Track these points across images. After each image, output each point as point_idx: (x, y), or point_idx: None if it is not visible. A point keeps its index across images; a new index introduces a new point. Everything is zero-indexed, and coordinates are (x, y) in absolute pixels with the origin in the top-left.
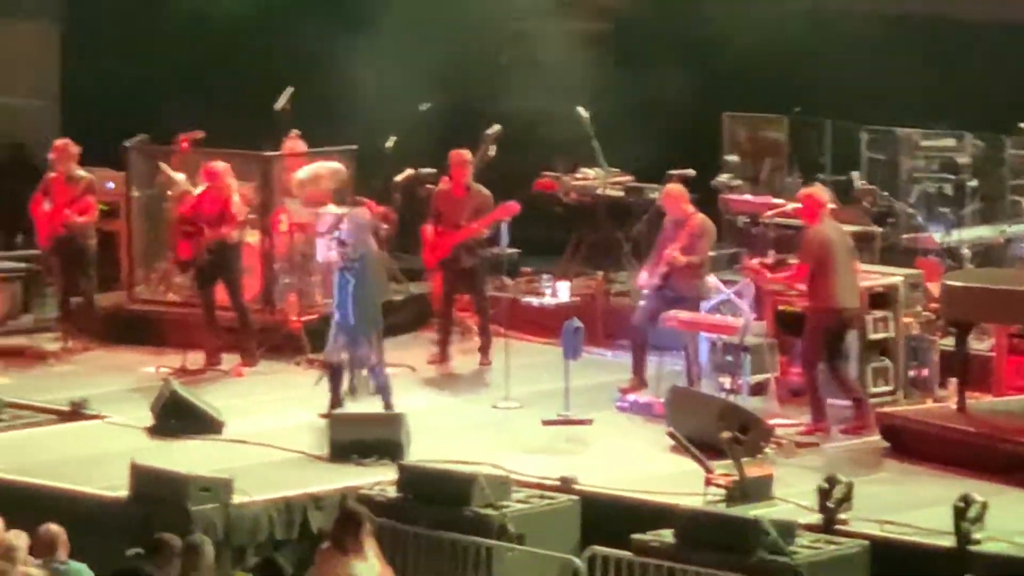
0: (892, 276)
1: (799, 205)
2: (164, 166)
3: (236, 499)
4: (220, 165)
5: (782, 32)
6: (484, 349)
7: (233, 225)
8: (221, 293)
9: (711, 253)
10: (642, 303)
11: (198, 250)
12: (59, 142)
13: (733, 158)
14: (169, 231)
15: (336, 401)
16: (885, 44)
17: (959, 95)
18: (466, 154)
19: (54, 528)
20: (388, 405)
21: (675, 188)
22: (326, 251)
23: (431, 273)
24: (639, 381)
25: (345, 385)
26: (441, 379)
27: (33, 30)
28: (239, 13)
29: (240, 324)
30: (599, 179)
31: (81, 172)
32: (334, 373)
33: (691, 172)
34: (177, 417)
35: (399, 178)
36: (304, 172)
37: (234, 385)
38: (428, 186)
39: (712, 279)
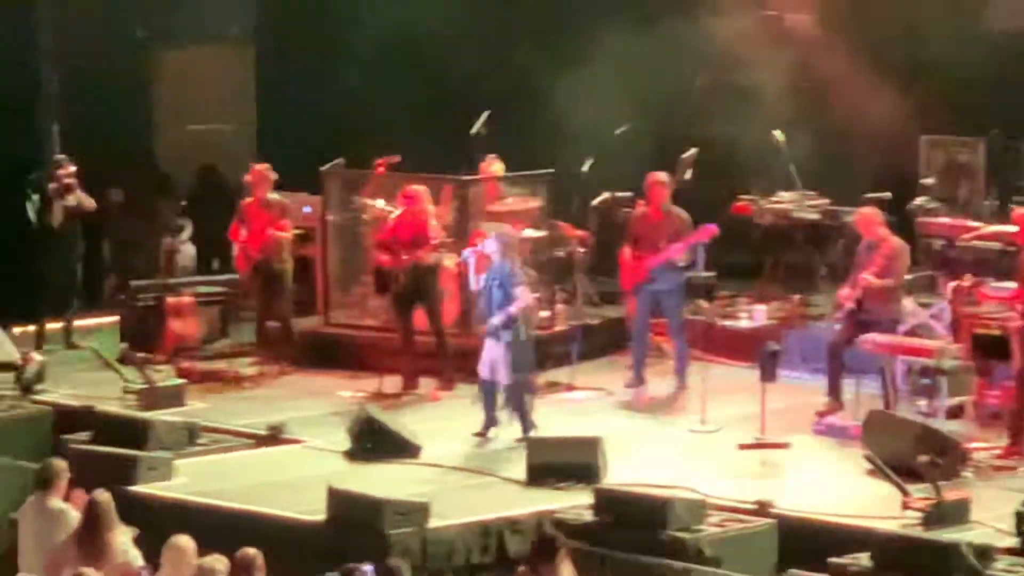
0: None
1: (1014, 228)
2: (361, 198)
3: (432, 523)
4: (417, 188)
5: (980, 55)
6: (680, 372)
7: (428, 248)
8: (420, 317)
9: (907, 276)
10: (838, 326)
11: (395, 274)
12: (257, 167)
13: (930, 181)
14: (366, 255)
15: (490, 420)
16: None
17: None
18: (664, 177)
19: (251, 552)
20: (524, 427)
21: (868, 211)
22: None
23: (627, 296)
24: (836, 404)
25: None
26: (637, 403)
27: (229, 55)
28: (438, 36)
29: (437, 348)
30: (795, 202)
31: (275, 197)
32: (487, 391)
33: (887, 195)
34: (373, 441)
35: (596, 202)
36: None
37: (431, 409)
38: (625, 210)
39: (908, 302)
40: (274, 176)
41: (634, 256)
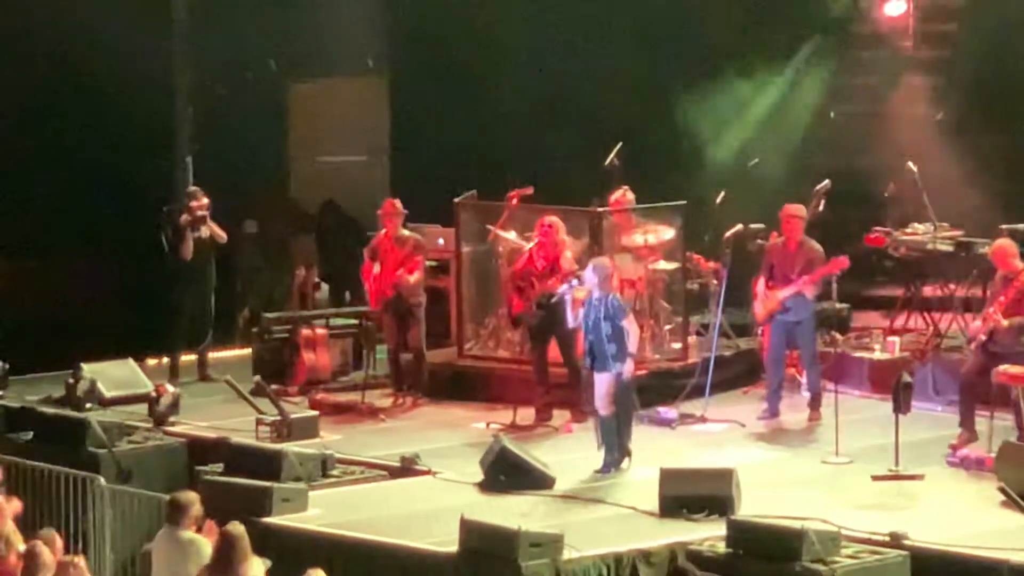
0: None
1: None
2: (493, 228)
3: (566, 555)
4: (553, 219)
5: None
6: (814, 404)
7: (561, 279)
8: (554, 349)
9: None
10: (970, 357)
11: (529, 305)
12: (388, 202)
13: None
14: (499, 287)
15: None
16: None
17: None
18: (799, 209)
19: None
20: (612, 461)
21: (1004, 243)
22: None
23: (761, 328)
24: (969, 435)
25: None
26: (770, 434)
27: (362, 87)
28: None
29: (571, 379)
30: (929, 234)
31: (406, 232)
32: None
33: (1021, 227)
34: (507, 473)
35: (728, 233)
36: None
37: (564, 441)
38: (758, 241)
39: None
40: (404, 210)
41: (768, 288)
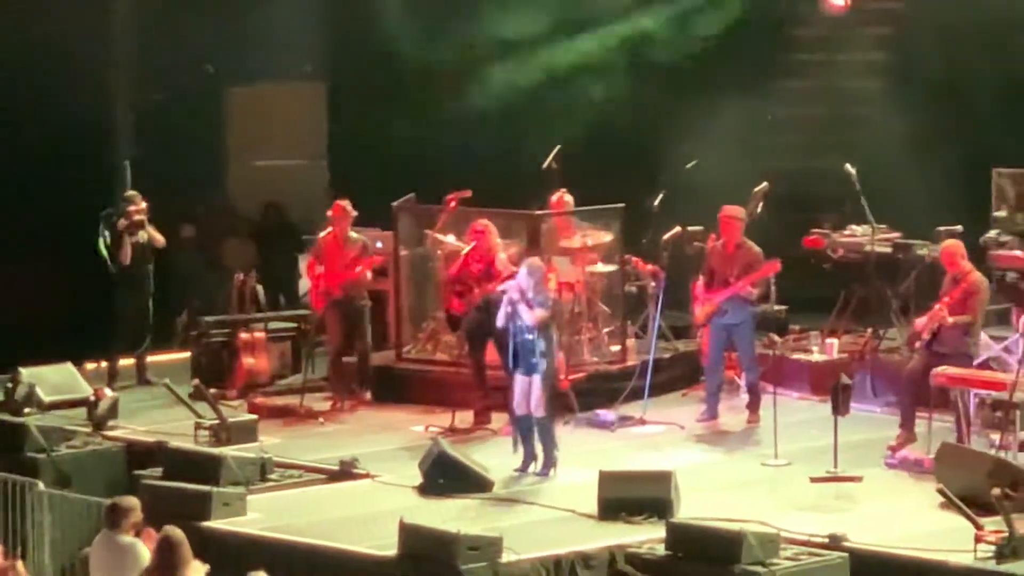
0: None
1: None
2: (430, 232)
3: (505, 558)
4: (485, 223)
5: None
6: (752, 406)
7: (498, 282)
8: (491, 352)
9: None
10: (915, 357)
11: (467, 309)
12: (338, 203)
13: (1002, 213)
14: (437, 290)
15: (530, 455)
16: None
17: None
18: (737, 211)
19: None
20: (548, 460)
21: (952, 244)
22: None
23: (700, 330)
24: (908, 436)
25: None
26: (709, 436)
27: (300, 91)
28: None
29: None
30: (867, 236)
31: (355, 234)
32: (524, 426)
33: (959, 228)
34: (446, 476)
35: (667, 236)
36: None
37: (503, 444)
38: (696, 243)
39: (981, 335)
40: (353, 212)
41: (707, 290)
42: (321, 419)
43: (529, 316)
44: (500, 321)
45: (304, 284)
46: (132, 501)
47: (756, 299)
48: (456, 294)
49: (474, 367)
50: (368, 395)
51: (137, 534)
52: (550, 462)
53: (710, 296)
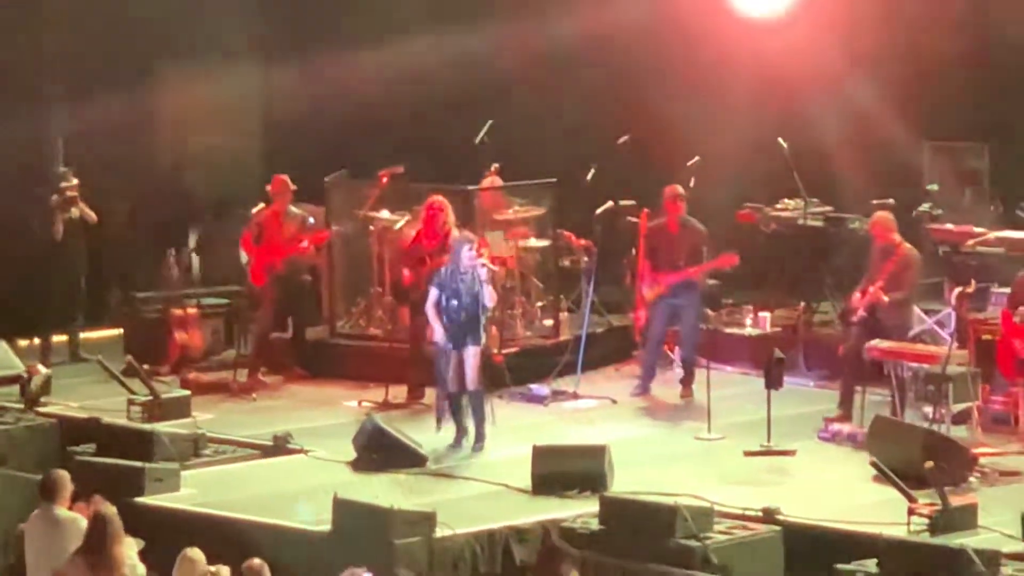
0: None
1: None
2: (363, 207)
3: (439, 532)
4: (440, 200)
5: (980, 61)
6: (687, 380)
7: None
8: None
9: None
10: (852, 333)
11: (416, 282)
12: (278, 178)
13: (934, 187)
14: (370, 265)
15: (463, 430)
16: None
17: None
18: (680, 189)
19: (257, 562)
20: (479, 433)
21: (883, 216)
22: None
23: (634, 305)
24: (847, 411)
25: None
26: (643, 411)
27: (234, 68)
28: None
29: None
30: (800, 210)
31: (295, 209)
32: (457, 401)
33: (891, 202)
34: (379, 451)
35: (599, 211)
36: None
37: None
38: (629, 218)
39: (915, 310)
40: (293, 187)
41: (652, 271)
42: (254, 395)
43: (489, 294)
44: (433, 298)
45: (243, 258)
46: (65, 474)
47: (705, 280)
48: (408, 266)
49: (413, 340)
50: (297, 370)
51: (71, 509)
52: (482, 436)
53: (659, 278)
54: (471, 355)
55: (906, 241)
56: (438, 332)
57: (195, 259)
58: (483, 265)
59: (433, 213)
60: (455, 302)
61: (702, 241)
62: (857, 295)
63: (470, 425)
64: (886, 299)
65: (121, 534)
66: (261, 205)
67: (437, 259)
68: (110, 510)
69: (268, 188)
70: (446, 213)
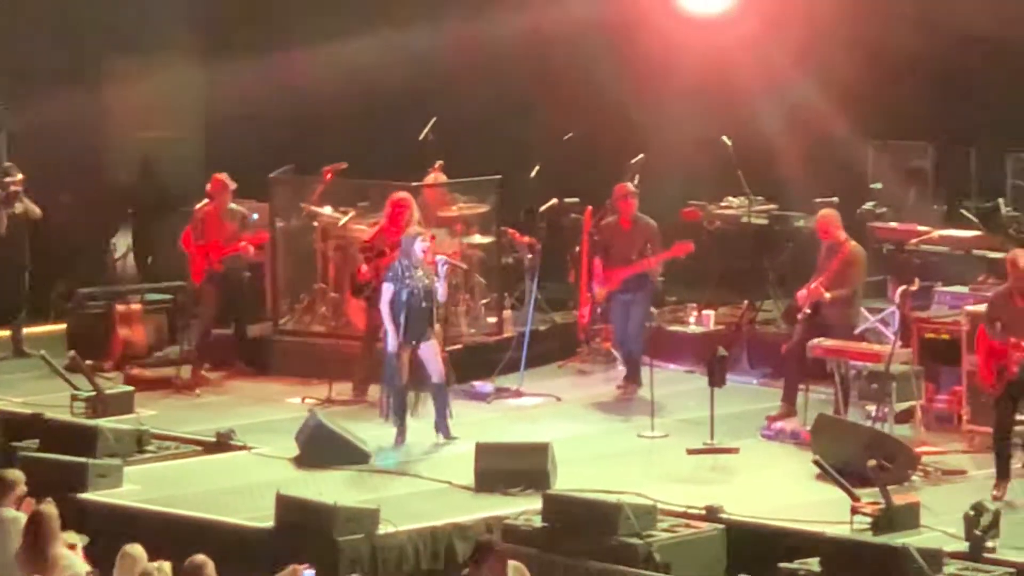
0: None
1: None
2: (306, 205)
3: (382, 529)
4: (404, 196)
5: (924, 59)
6: (631, 378)
7: None
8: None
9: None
10: (795, 330)
11: (374, 276)
12: (217, 176)
13: (878, 186)
14: (314, 262)
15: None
16: None
17: None
18: (631, 186)
19: (200, 559)
20: (446, 426)
21: (829, 213)
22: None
23: (579, 303)
24: (789, 408)
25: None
26: (586, 408)
27: (178, 62)
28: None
29: None
30: (743, 207)
31: (235, 206)
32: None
33: (835, 200)
34: (323, 447)
35: (543, 208)
36: None
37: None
38: (573, 215)
39: (859, 307)
40: (233, 185)
41: (605, 269)
42: (197, 391)
43: (443, 290)
44: (387, 294)
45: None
46: (18, 475)
47: (658, 275)
48: (366, 260)
49: (366, 337)
50: (238, 368)
51: (18, 508)
52: (448, 428)
53: (611, 274)
54: (430, 349)
55: (851, 239)
56: (390, 332)
57: (138, 255)
58: (446, 263)
59: (398, 209)
60: (410, 296)
61: (654, 237)
62: (803, 292)
63: (415, 422)
64: (828, 296)
65: (57, 534)
66: (204, 201)
67: (393, 254)
68: (48, 510)
69: (207, 187)
70: (411, 209)
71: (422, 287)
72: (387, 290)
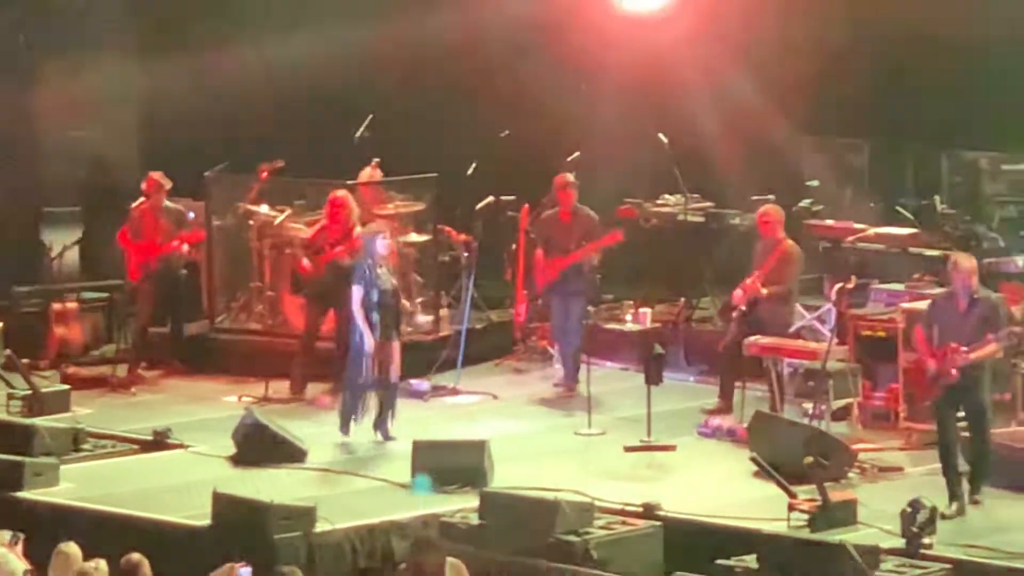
0: None
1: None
2: (242, 204)
3: (319, 527)
4: (343, 195)
5: (860, 56)
6: (569, 375)
7: (348, 248)
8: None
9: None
10: (730, 329)
11: (318, 270)
12: (152, 175)
13: (814, 183)
14: (250, 260)
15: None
16: (966, 67)
17: None
18: (570, 177)
19: (136, 557)
20: (383, 426)
21: (773, 210)
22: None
23: (515, 300)
24: (725, 406)
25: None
26: (523, 406)
27: (112, 61)
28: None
29: (339, 353)
30: (680, 205)
31: (171, 204)
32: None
33: (771, 197)
34: (259, 446)
35: (480, 205)
36: None
37: (317, 413)
38: (509, 213)
39: (795, 305)
40: (168, 183)
41: (545, 260)
42: (134, 389)
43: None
44: (357, 296)
45: None
46: None
47: (595, 267)
48: (308, 257)
49: (305, 334)
50: (177, 365)
51: None
52: (388, 429)
53: (551, 266)
54: (396, 348)
55: (788, 236)
56: (367, 334)
57: (74, 253)
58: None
59: (337, 208)
60: (381, 295)
61: (594, 228)
62: (739, 291)
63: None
64: (764, 291)
65: None
66: (140, 200)
67: (333, 251)
68: None
69: (143, 186)
70: (349, 207)
71: (390, 286)
72: (357, 291)
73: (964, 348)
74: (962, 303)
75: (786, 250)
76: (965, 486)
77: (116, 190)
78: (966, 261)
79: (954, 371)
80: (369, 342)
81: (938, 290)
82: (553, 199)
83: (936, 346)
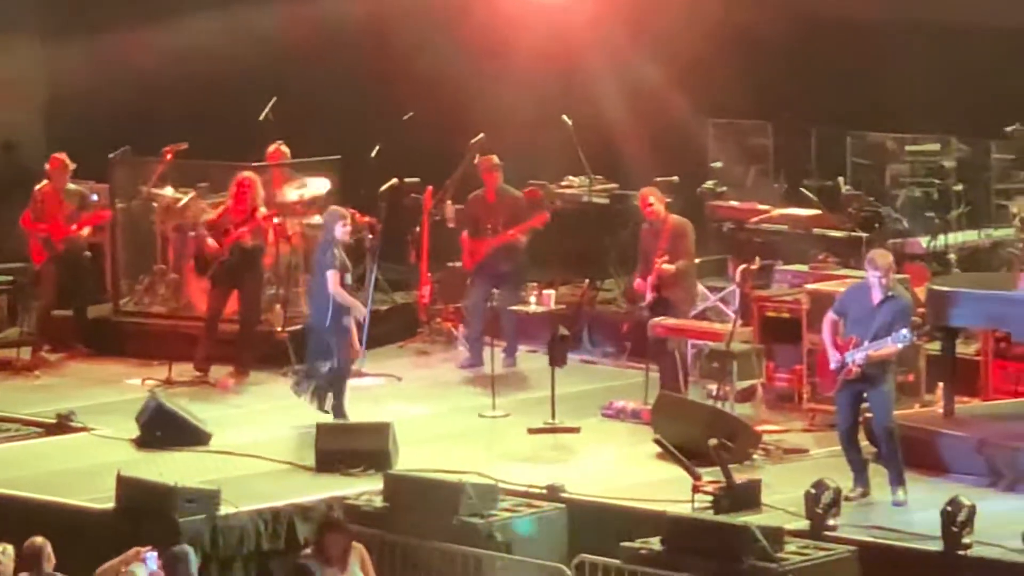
0: None
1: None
2: (146, 188)
3: (223, 510)
4: (249, 176)
5: (765, 38)
6: (511, 351)
7: (251, 228)
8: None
9: (696, 258)
10: (645, 316)
11: (222, 250)
12: (55, 156)
13: (719, 164)
14: (154, 243)
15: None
16: (870, 49)
17: (944, 100)
18: (495, 159)
19: (39, 541)
20: (338, 407)
21: (649, 191)
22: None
23: (418, 282)
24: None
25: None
26: (427, 388)
27: (17, 42)
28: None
29: (241, 335)
30: (584, 187)
31: (74, 186)
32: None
33: (675, 179)
34: (163, 429)
35: (384, 188)
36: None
37: (220, 396)
38: (413, 195)
39: (698, 285)
40: (72, 165)
41: (472, 240)
42: (37, 372)
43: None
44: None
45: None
46: None
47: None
48: (213, 237)
49: (210, 310)
50: (78, 349)
51: None
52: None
53: (478, 246)
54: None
55: (688, 217)
56: (357, 305)
57: None
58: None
59: (243, 189)
60: (348, 276)
61: (520, 209)
62: (638, 281)
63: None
64: (672, 268)
65: None
66: (44, 182)
67: (237, 232)
68: None
69: (46, 167)
70: (255, 190)
71: (350, 268)
72: (333, 275)
73: (867, 343)
74: (876, 297)
75: (675, 224)
76: (872, 468)
77: (20, 172)
78: (882, 258)
79: (855, 368)
80: (362, 310)
81: (842, 271)
82: (480, 180)
83: (842, 338)
